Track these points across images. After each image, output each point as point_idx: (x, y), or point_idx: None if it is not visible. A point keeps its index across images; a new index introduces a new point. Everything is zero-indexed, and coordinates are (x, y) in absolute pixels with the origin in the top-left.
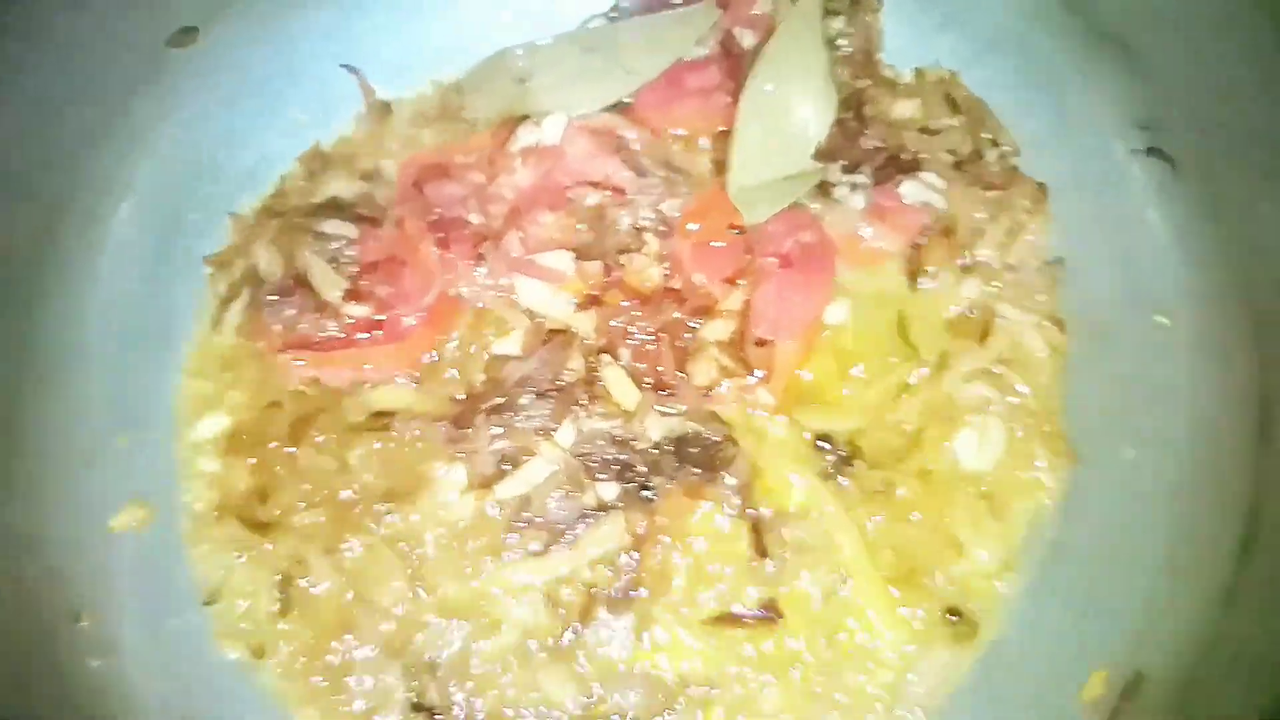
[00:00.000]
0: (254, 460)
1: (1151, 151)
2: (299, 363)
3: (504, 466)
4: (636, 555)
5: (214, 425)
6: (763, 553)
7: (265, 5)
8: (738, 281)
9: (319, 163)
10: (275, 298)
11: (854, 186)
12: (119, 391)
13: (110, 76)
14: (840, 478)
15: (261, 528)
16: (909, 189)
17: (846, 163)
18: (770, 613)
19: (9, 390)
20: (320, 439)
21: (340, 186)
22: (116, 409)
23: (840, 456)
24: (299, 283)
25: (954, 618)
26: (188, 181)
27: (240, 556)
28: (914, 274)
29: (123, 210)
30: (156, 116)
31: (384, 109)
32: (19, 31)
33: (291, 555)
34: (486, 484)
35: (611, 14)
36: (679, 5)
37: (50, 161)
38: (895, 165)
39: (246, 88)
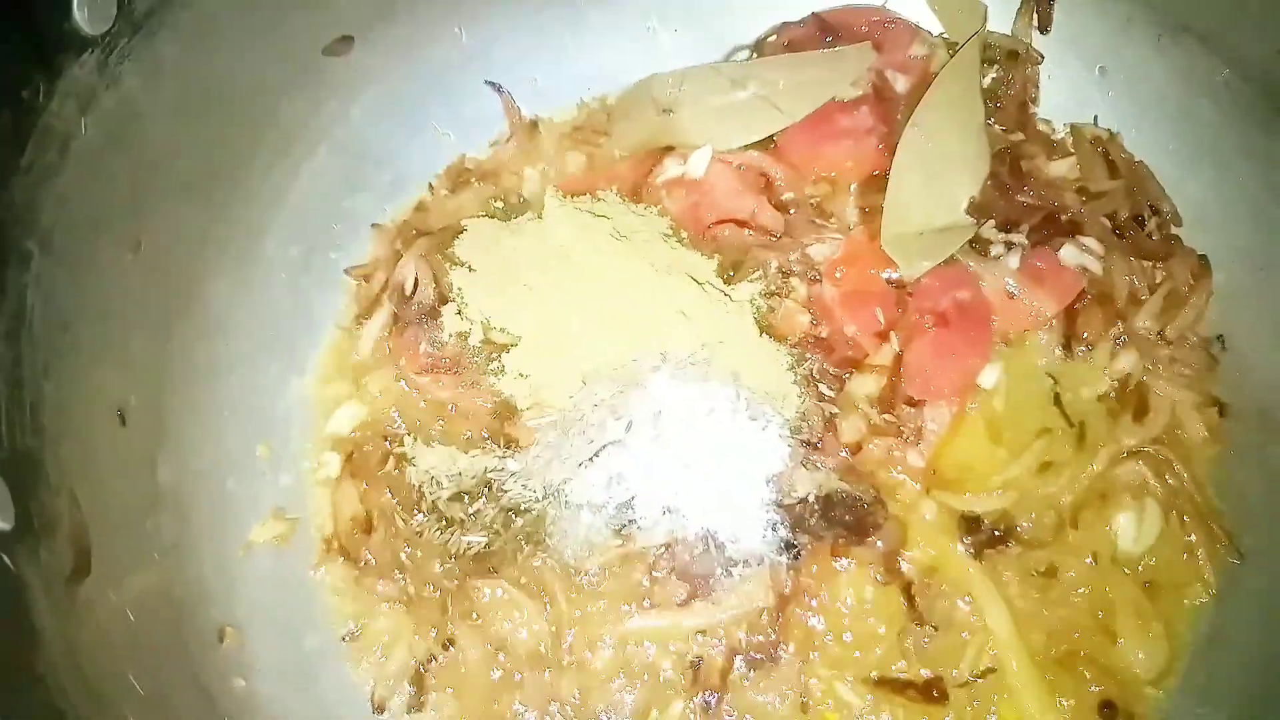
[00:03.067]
0: (366, 485)
1: None
2: (440, 385)
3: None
4: (780, 614)
5: (349, 415)
6: (919, 620)
7: (420, 19)
8: (889, 335)
9: (463, 178)
10: (423, 317)
11: (1010, 245)
12: (261, 401)
13: (267, 80)
14: (992, 555)
15: (367, 567)
16: (1067, 252)
17: (1001, 220)
18: (937, 692)
19: (157, 395)
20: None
21: (483, 204)
22: (257, 418)
23: (992, 534)
24: (444, 302)
25: (1108, 710)
26: (333, 192)
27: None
28: (1069, 342)
29: (271, 220)
30: (305, 124)
31: (531, 128)
32: (187, 32)
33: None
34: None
35: (757, 48)
36: (829, 44)
37: (208, 166)
38: (1053, 226)
39: (394, 101)
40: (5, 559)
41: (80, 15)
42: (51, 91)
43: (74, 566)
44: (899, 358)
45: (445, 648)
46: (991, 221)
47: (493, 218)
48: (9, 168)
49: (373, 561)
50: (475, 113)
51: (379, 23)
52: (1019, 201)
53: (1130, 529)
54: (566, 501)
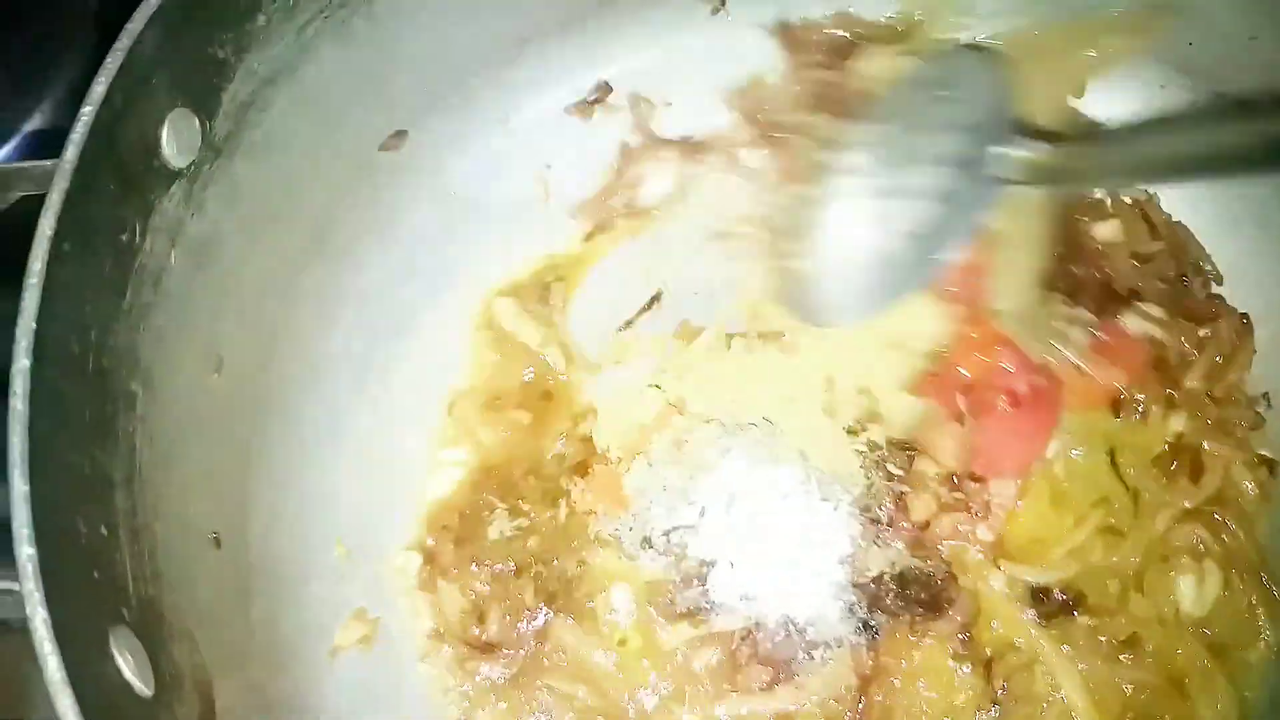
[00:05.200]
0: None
1: None
2: None
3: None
4: (862, 696)
5: (458, 458)
6: (996, 694)
7: (470, 108)
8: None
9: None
10: None
11: (1073, 320)
12: (333, 499)
13: (328, 182)
14: (1062, 623)
15: (488, 650)
16: (1131, 321)
17: (1065, 292)
18: None
19: (242, 509)
20: None
21: None
22: (331, 517)
23: (1060, 602)
24: None
25: None
26: (391, 284)
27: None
28: (1123, 408)
29: (335, 318)
30: (362, 220)
31: None
32: (260, 148)
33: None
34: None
35: None
36: None
37: (276, 273)
38: (1110, 295)
39: (446, 190)
40: None
41: (169, 151)
42: (145, 230)
43: (201, 713)
44: None
45: None
46: (1058, 295)
47: None
48: (113, 314)
49: (483, 643)
50: (522, 195)
51: (431, 115)
52: (1075, 272)
53: (1191, 590)
54: None
